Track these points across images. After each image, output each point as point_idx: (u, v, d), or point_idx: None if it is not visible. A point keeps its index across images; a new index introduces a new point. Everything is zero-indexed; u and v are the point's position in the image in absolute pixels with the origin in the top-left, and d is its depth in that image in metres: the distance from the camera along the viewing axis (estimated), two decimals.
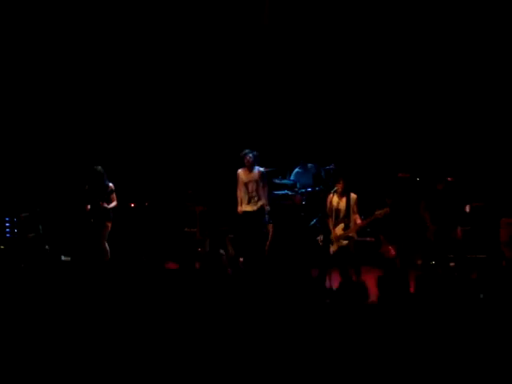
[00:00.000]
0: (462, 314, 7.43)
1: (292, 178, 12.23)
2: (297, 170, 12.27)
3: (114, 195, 10.73)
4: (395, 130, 12.64)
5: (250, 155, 10.14)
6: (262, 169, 10.19)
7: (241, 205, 10.22)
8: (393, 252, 11.50)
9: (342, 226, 8.96)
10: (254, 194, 10.14)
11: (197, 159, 13.16)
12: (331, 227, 9.03)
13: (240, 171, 10.17)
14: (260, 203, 10.14)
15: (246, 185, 10.05)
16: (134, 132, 13.37)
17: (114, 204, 10.66)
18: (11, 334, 6.65)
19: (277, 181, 12.13)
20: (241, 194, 10.17)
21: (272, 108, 13.26)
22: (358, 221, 8.93)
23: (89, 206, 10.69)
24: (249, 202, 10.13)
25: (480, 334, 6.50)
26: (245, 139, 12.79)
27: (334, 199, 9.06)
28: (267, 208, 10.26)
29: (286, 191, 12.01)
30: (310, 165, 12.16)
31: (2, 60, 12.74)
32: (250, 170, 10.07)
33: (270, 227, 10.08)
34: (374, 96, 12.74)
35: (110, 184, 10.73)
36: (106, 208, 10.52)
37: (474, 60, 12.09)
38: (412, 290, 7.90)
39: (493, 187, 11.36)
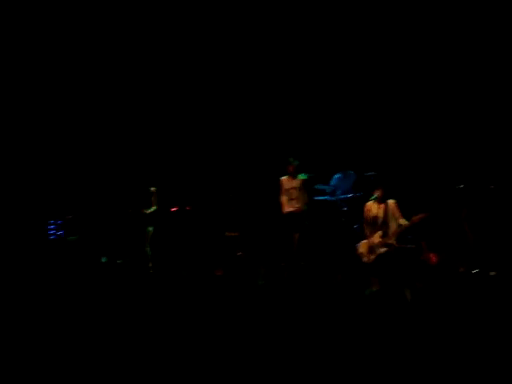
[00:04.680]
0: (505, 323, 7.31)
1: (332, 183, 12.19)
2: (337, 175, 12.23)
3: (156, 199, 10.85)
4: (436, 137, 12.48)
5: (293, 163, 10.44)
6: (305, 176, 10.47)
7: (284, 207, 10.47)
8: (434, 259, 11.38)
9: (379, 233, 8.89)
10: (296, 200, 10.47)
11: (238, 164, 13.21)
12: (369, 235, 8.97)
13: (283, 178, 10.63)
14: (301, 207, 10.45)
15: (288, 191, 10.44)
16: (178, 136, 13.48)
17: (154, 208, 10.79)
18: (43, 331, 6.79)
19: (318, 187, 12.13)
20: (284, 199, 10.46)
21: (314, 115, 13.24)
22: (404, 223, 8.87)
23: (131, 210, 10.84)
24: (292, 207, 10.45)
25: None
26: (286, 145, 12.80)
27: (373, 207, 9.00)
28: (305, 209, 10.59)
29: (326, 197, 11.99)
30: (350, 171, 12.11)
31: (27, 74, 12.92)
32: (293, 177, 10.42)
33: (297, 235, 10.34)
34: (417, 106, 12.60)
35: (152, 188, 10.86)
36: (145, 213, 10.67)
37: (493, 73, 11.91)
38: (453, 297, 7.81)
39: None
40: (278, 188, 10.86)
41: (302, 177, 10.61)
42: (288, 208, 10.57)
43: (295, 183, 10.54)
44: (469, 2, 11.84)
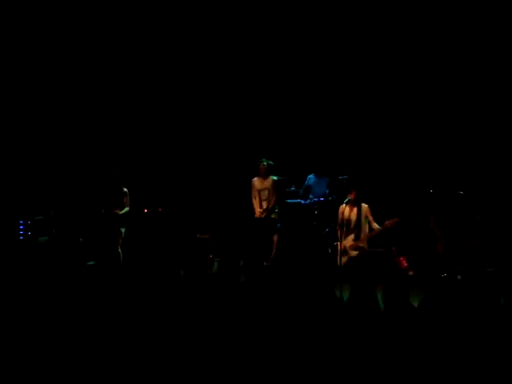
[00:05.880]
0: (471, 326, 7.43)
1: (306, 182, 12.26)
2: (311, 178, 12.30)
3: (128, 200, 10.80)
4: (410, 142, 12.63)
5: (265, 163, 10.48)
6: (275, 177, 10.51)
7: (256, 210, 10.52)
8: (405, 263, 11.50)
9: (352, 236, 8.97)
10: (267, 201, 10.48)
11: (210, 166, 13.21)
12: (342, 238, 9.03)
13: (255, 179, 10.63)
14: (271, 211, 10.44)
15: (259, 192, 10.42)
16: (149, 137, 13.43)
17: (126, 209, 10.74)
18: (15, 334, 6.71)
19: (291, 189, 12.17)
20: (255, 201, 10.47)
21: (288, 118, 13.30)
22: (377, 227, 8.96)
23: (103, 211, 10.76)
24: (261, 208, 10.45)
25: (489, 347, 6.50)
26: (259, 147, 12.83)
27: (346, 210, 9.07)
28: (275, 216, 10.57)
29: (298, 200, 12.03)
30: (323, 174, 12.16)
31: (10, 68, 12.77)
32: (265, 177, 10.44)
33: (275, 237, 10.35)
34: (390, 109, 12.74)
35: (125, 189, 10.81)
36: (118, 213, 10.61)
37: (490, 76, 12.08)
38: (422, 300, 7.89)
39: (504, 200, 11.31)
40: (249, 190, 10.87)
41: (273, 178, 10.63)
42: (259, 211, 10.55)
43: (266, 184, 10.56)
44: (468, 4, 12.03)
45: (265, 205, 10.50)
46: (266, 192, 10.53)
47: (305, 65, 13.22)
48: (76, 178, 12.74)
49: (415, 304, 8.76)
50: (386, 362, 6.14)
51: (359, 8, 12.72)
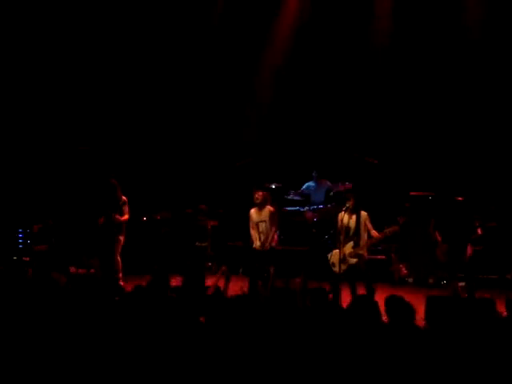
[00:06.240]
0: (472, 335, 7.35)
1: (305, 191, 12.20)
2: (309, 183, 12.25)
3: (127, 208, 10.73)
4: (408, 148, 12.63)
5: (260, 193, 9.99)
6: (272, 208, 9.95)
7: (254, 243, 10.06)
8: (404, 270, 11.48)
9: (351, 243, 8.93)
10: (265, 233, 9.92)
11: (210, 174, 13.20)
12: (341, 245, 8.97)
13: (252, 211, 9.99)
14: (270, 243, 9.96)
15: (257, 225, 9.90)
16: (148, 146, 13.43)
17: (126, 217, 10.67)
18: (14, 344, 6.67)
19: (288, 197, 12.15)
20: (254, 232, 10.06)
21: (287, 123, 13.31)
22: (376, 235, 8.91)
23: (102, 219, 10.70)
24: (260, 241, 9.94)
25: (491, 356, 6.43)
26: (259, 154, 12.86)
27: (345, 217, 9.02)
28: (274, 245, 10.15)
29: (297, 208, 12.01)
30: (323, 180, 12.15)
31: (7, 76, 12.77)
32: (261, 208, 9.90)
33: (272, 269, 9.87)
34: (389, 116, 12.75)
35: (123, 197, 10.75)
36: (118, 220, 10.52)
37: (489, 84, 12.12)
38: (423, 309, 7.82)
39: (506, 207, 11.31)
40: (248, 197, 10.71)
41: (270, 208, 9.91)
42: (257, 243, 9.88)
43: (264, 216, 9.85)
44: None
45: (262, 237, 9.95)
46: (264, 225, 9.82)
47: (305, 70, 13.26)
48: (75, 187, 12.71)
49: (415, 312, 8.70)
50: (386, 372, 6.08)
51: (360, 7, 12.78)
